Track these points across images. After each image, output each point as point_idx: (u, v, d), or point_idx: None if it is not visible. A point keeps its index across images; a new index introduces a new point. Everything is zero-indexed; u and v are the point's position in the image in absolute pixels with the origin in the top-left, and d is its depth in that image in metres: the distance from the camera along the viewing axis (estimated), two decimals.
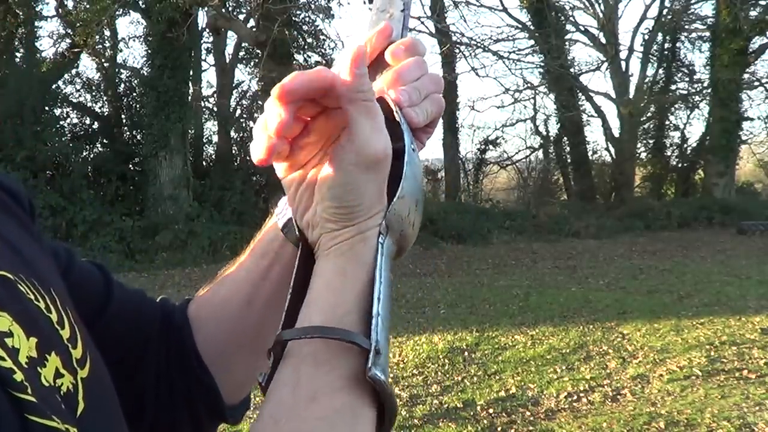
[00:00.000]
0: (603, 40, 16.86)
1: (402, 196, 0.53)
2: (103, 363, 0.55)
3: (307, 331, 0.48)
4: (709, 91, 16.92)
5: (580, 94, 17.53)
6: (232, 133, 14.53)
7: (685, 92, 18.32)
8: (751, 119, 17.53)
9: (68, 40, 13.79)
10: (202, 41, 14.85)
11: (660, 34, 17.61)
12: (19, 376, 0.43)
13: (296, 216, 0.56)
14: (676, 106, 18.39)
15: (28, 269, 0.55)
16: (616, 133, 17.33)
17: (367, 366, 0.46)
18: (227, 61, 15.31)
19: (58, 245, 0.64)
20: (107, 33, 13.95)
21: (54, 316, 0.53)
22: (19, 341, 0.46)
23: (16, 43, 12.43)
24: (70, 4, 13.57)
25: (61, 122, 13.03)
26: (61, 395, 0.48)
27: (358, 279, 0.51)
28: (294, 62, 13.84)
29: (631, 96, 16.84)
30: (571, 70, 17.16)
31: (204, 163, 14.39)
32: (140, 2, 12.85)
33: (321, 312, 0.49)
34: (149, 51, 12.48)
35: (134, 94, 13.73)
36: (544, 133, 18.71)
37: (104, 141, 13.53)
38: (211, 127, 15.49)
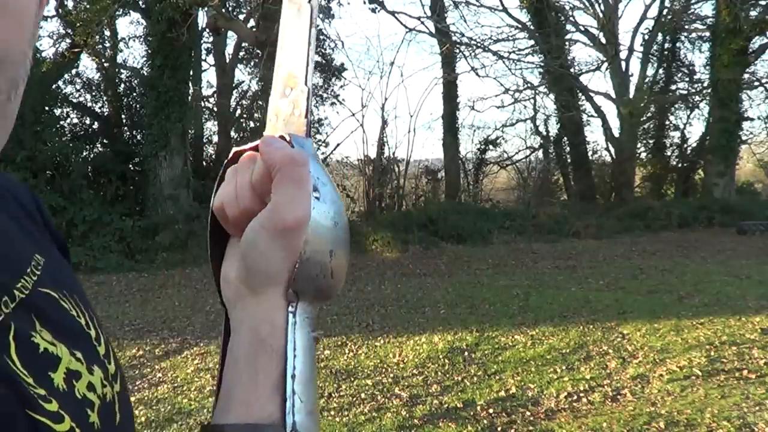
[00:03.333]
0: (603, 40, 16.86)
1: (306, 259, 0.52)
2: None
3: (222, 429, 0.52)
4: (709, 91, 16.92)
5: (580, 94, 17.52)
6: (232, 133, 14.53)
7: (685, 92, 18.32)
8: (751, 119, 17.54)
9: (68, 40, 13.78)
10: (202, 41, 14.85)
11: (660, 34, 17.60)
12: (53, 407, 0.48)
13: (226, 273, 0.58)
14: (676, 106, 18.38)
15: (66, 283, 0.59)
16: (616, 133, 17.33)
17: None
18: (227, 61, 15.31)
19: (58, 234, 0.66)
20: (107, 33, 13.95)
21: (93, 333, 0.58)
22: (59, 351, 0.52)
23: None
24: (70, 4, 13.57)
25: (61, 122, 13.02)
26: (99, 407, 0.54)
27: (270, 371, 0.51)
28: None
29: (631, 96, 16.83)
30: (571, 70, 17.16)
31: (204, 163, 14.39)
32: (140, 2, 12.85)
33: (236, 408, 0.52)
34: (149, 51, 12.47)
35: (134, 94, 13.73)
36: (544, 133, 18.71)
37: (104, 141, 13.52)
38: (211, 127, 15.50)
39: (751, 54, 16.10)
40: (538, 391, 4.42)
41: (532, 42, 16.84)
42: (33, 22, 0.45)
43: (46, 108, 12.22)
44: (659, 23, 17.14)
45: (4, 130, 0.43)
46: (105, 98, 14.10)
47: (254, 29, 13.30)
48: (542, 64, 16.42)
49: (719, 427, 3.67)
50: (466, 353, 5.34)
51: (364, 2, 12.69)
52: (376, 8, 12.85)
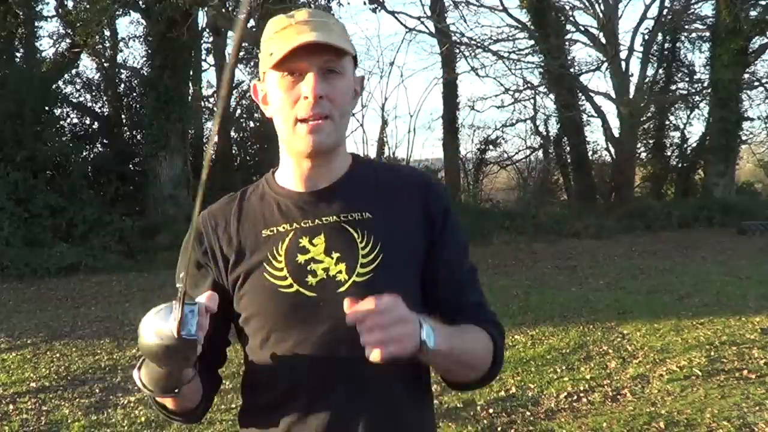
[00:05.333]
0: (603, 40, 16.83)
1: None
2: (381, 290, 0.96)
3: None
4: (709, 91, 16.91)
5: (580, 94, 17.50)
6: (232, 133, 14.52)
7: (685, 92, 18.30)
8: (751, 119, 17.52)
9: (68, 40, 13.79)
10: (202, 41, 14.84)
11: (660, 34, 17.58)
12: (282, 272, 1.07)
13: None
14: (676, 106, 18.37)
15: (380, 229, 1.08)
16: (616, 133, 17.31)
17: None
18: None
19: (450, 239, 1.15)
20: (107, 33, 13.95)
21: (364, 250, 1.06)
22: (314, 251, 1.07)
23: (16, 43, 12.41)
24: (70, 4, 13.56)
25: (61, 122, 13.02)
26: (323, 280, 1.06)
27: None
28: None
29: (631, 96, 16.81)
30: (571, 70, 17.14)
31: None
32: (140, 2, 12.85)
33: None
34: (149, 51, 12.47)
35: (134, 94, 13.73)
36: (544, 133, 18.69)
37: (104, 141, 13.53)
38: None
39: (751, 54, 16.10)
40: (538, 391, 4.42)
41: (532, 42, 16.81)
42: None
43: (46, 108, 12.21)
44: (659, 23, 17.12)
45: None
46: (105, 98, 14.10)
47: (254, 29, 13.30)
48: (542, 64, 16.40)
49: (719, 427, 3.67)
50: None
51: (364, 2, 12.69)
52: (376, 8, 12.86)
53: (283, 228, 1.09)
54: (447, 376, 1.12)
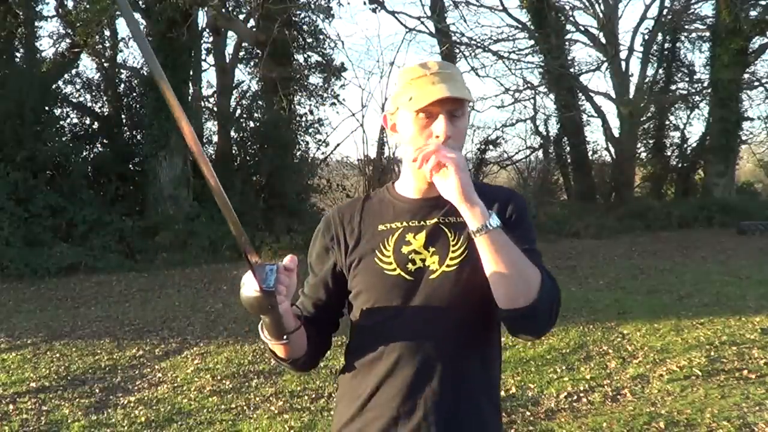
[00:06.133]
0: (603, 40, 16.84)
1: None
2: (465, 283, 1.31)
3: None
4: (709, 91, 16.91)
5: (580, 94, 17.50)
6: (232, 133, 14.48)
7: (685, 92, 18.30)
8: (751, 119, 17.53)
9: (68, 40, 13.77)
10: (202, 41, 14.82)
11: (660, 34, 17.58)
12: (389, 259, 1.36)
13: None
14: (676, 106, 18.36)
15: (459, 231, 1.34)
16: (616, 133, 17.31)
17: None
18: (227, 61, 15.28)
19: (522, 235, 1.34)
20: (107, 33, 13.92)
21: (457, 248, 1.32)
22: (416, 242, 1.35)
23: (16, 43, 12.40)
24: (70, 4, 13.55)
25: (61, 122, 12.99)
26: (420, 267, 1.33)
27: None
28: (294, 62, 13.86)
29: (631, 96, 16.82)
30: (571, 70, 17.14)
31: None
32: (140, 2, 12.85)
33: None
34: None
35: (134, 94, 13.71)
36: (544, 133, 18.68)
37: (104, 141, 13.50)
38: (211, 127, 15.46)
39: (751, 54, 16.10)
40: (538, 391, 4.42)
41: (532, 42, 16.82)
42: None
43: (46, 108, 12.20)
44: (659, 23, 17.12)
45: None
46: (105, 98, 14.07)
47: (254, 29, 13.31)
48: (542, 64, 16.41)
49: (719, 427, 3.67)
50: None
51: (364, 2, 12.71)
52: (376, 8, 12.86)
53: (395, 225, 1.39)
54: (503, 286, 1.24)
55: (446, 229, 1.36)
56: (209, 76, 22.89)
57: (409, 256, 1.34)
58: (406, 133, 1.34)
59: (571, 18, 17.57)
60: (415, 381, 1.31)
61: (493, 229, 1.21)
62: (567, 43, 17.24)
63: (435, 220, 1.36)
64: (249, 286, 1.19)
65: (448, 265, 1.32)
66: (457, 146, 1.31)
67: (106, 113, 13.92)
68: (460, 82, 1.32)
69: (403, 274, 1.33)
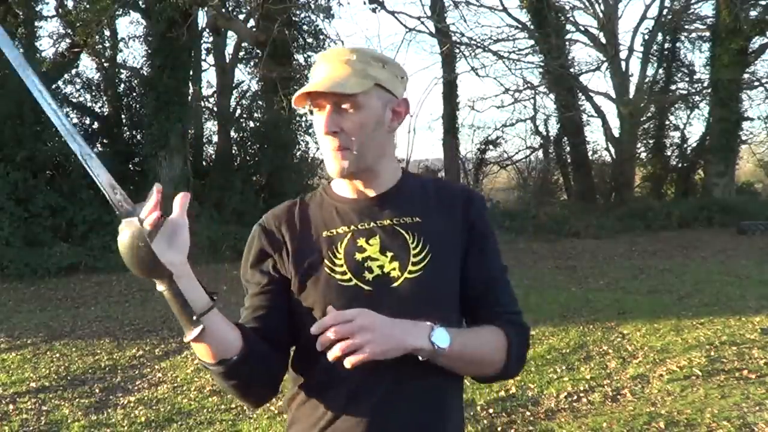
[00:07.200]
0: (603, 40, 16.84)
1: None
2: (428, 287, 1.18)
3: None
4: (709, 91, 16.90)
5: (580, 94, 17.50)
6: (232, 133, 14.49)
7: (685, 92, 18.29)
8: (751, 119, 17.50)
9: (68, 40, 13.77)
10: (202, 41, 14.83)
11: (660, 34, 17.58)
12: (342, 268, 1.18)
13: None
14: (676, 106, 18.36)
15: (428, 231, 1.20)
16: (616, 133, 17.31)
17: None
18: (227, 61, 15.29)
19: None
20: (107, 33, 13.93)
21: (414, 250, 1.18)
22: (371, 250, 1.18)
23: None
24: (70, 4, 13.56)
25: None
26: (378, 275, 1.17)
27: None
28: (294, 62, 13.85)
29: (631, 96, 16.82)
30: (571, 70, 17.13)
31: (204, 163, 14.36)
32: (140, 2, 12.84)
33: None
34: (149, 51, 12.46)
35: (134, 94, 13.71)
36: (544, 133, 18.69)
37: (104, 141, 13.51)
38: (211, 127, 15.48)
39: (751, 54, 16.09)
40: (538, 391, 4.42)
41: (532, 42, 16.82)
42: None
43: None
44: (659, 23, 17.12)
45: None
46: (105, 98, 14.08)
47: (254, 29, 13.29)
48: (542, 64, 16.40)
49: (719, 427, 3.66)
50: None
51: (364, 2, 12.69)
52: (376, 8, 12.85)
53: (342, 230, 1.22)
54: (472, 373, 1.24)
55: (403, 231, 1.20)
56: (209, 76, 22.87)
57: (365, 264, 1.18)
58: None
59: (571, 18, 17.59)
60: (383, 404, 1.15)
61: (445, 347, 1.09)
62: (567, 43, 17.23)
63: (388, 221, 1.21)
64: (119, 230, 1.08)
65: (410, 272, 1.17)
66: (355, 141, 1.15)
67: (106, 113, 13.93)
68: (354, 69, 1.15)
69: (360, 284, 1.17)
